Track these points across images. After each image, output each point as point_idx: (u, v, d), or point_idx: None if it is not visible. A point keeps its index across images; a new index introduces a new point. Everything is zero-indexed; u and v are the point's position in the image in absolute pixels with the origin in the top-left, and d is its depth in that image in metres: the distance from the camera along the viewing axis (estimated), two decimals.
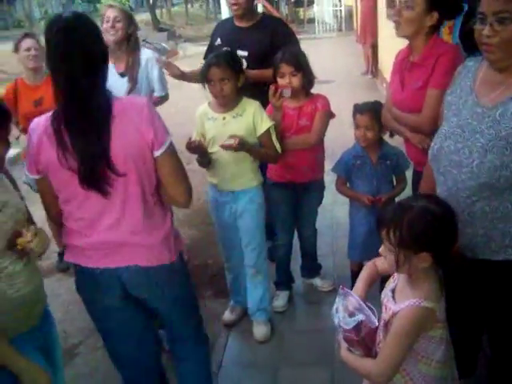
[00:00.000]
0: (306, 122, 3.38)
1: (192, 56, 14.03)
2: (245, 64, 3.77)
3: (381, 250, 1.87)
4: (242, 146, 3.03)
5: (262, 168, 3.48)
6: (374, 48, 11.58)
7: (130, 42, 3.89)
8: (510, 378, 2.34)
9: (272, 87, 3.26)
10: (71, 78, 1.98)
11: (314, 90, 3.47)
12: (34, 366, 1.96)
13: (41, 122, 2.07)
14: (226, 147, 3.05)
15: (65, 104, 2.03)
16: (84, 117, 2.00)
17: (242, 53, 3.78)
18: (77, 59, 1.96)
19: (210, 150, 3.18)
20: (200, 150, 3.14)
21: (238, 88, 3.13)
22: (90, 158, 2.01)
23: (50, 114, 2.07)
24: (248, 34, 3.84)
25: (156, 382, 2.55)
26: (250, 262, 3.42)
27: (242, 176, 3.24)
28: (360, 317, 1.87)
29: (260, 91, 3.39)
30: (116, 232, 2.13)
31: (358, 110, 3.33)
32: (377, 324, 1.91)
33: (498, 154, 1.91)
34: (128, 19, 3.87)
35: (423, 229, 1.74)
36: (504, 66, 1.97)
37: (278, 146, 3.22)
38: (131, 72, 3.87)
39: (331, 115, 3.48)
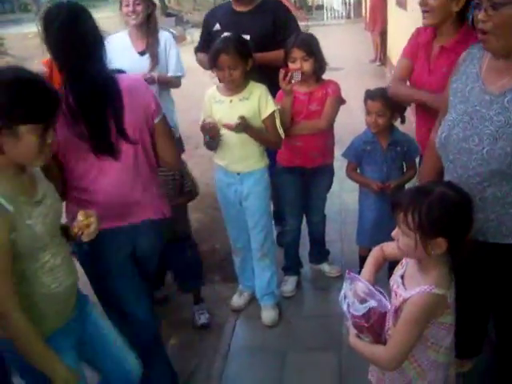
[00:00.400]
0: (317, 107, 3.37)
1: None
2: None
3: (394, 233, 1.85)
4: (240, 127, 3.04)
5: (271, 153, 3.48)
6: (383, 35, 11.48)
7: (150, 22, 3.90)
8: None
9: (282, 71, 3.24)
10: (74, 64, 2.23)
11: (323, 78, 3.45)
12: (66, 370, 1.92)
13: None
14: (227, 127, 3.07)
15: (72, 84, 2.23)
16: (93, 94, 2.24)
17: (244, 37, 3.75)
18: (76, 48, 2.21)
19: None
20: (214, 131, 3.13)
21: (246, 72, 3.12)
22: (101, 127, 2.27)
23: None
24: (249, 18, 3.80)
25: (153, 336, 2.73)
26: (256, 244, 3.43)
27: (248, 158, 3.25)
28: (372, 303, 1.85)
29: (265, 75, 3.34)
30: (130, 194, 2.42)
31: (370, 95, 3.31)
32: (389, 307, 1.90)
33: (508, 140, 1.92)
34: (147, 0, 3.86)
35: (442, 214, 1.74)
36: (505, 53, 1.97)
37: (281, 131, 3.21)
38: (152, 50, 3.88)
39: (342, 101, 3.47)
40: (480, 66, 2.11)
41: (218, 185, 3.44)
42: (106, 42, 3.99)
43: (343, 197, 4.84)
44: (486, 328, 2.66)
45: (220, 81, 3.20)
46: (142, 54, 3.92)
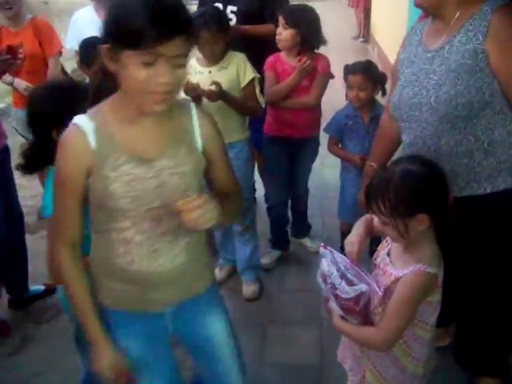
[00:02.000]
0: (306, 83, 3.38)
1: None
2: (234, 19, 3.75)
3: (376, 224, 1.86)
4: (215, 94, 2.99)
5: (259, 127, 3.46)
6: (367, 12, 11.43)
7: None
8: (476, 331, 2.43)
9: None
10: None
11: None
12: (110, 352, 1.71)
13: None
14: (205, 94, 3.00)
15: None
16: None
17: (231, 7, 3.75)
18: None
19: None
20: (196, 92, 3.05)
21: (226, 44, 3.09)
22: None
23: None
24: None
25: None
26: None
27: (228, 130, 3.10)
28: (362, 287, 1.77)
29: (251, 48, 3.34)
30: None
31: (350, 70, 3.30)
32: (380, 293, 1.83)
33: (450, 85, 2.03)
34: None
35: (410, 191, 1.72)
36: (439, 14, 2.11)
37: (261, 99, 3.20)
38: None
39: (330, 76, 3.48)
40: (421, 33, 2.27)
41: None
42: (74, 18, 3.94)
43: (324, 172, 4.82)
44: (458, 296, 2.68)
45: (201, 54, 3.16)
46: None
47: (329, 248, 1.91)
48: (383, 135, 2.58)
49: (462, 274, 2.31)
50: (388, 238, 1.95)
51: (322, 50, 3.51)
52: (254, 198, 4.15)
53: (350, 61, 3.44)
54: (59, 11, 15.53)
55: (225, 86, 3.04)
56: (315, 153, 3.76)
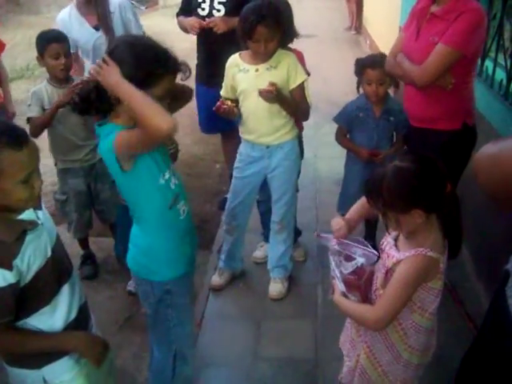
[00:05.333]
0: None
1: (172, 6, 13.68)
2: (223, 10, 3.72)
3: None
4: (273, 96, 2.87)
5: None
6: (359, 3, 11.40)
7: None
8: None
9: None
10: None
11: (294, 44, 3.28)
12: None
13: None
14: (263, 95, 2.88)
15: None
16: None
17: None
18: None
19: (241, 104, 3.04)
20: (230, 114, 3.01)
21: (283, 40, 2.95)
22: None
23: None
24: None
25: None
26: (276, 218, 3.35)
27: (278, 130, 3.10)
28: (358, 261, 1.87)
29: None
30: None
31: (369, 64, 3.19)
32: (375, 258, 1.92)
33: None
34: None
35: (401, 189, 1.74)
36: None
37: (309, 100, 3.10)
38: (105, 23, 3.71)
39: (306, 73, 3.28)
40: None
41: (241, 159, 3.26)
42: (59, 21, 3.84)
43: (317, 164, 4.81)
44: None
45: (252, 52, 2.97)
46: (96, 28, 3.77)
47: (323, 235, 2.03)
48: None
49: None
50: None
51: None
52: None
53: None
54: (47, 2, 15.38)
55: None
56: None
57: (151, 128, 1.73)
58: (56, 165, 3.50)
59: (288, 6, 3.22)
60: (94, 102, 1.90)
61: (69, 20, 3.79)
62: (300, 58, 3.23)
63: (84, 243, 3.78)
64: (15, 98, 4.03)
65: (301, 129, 3.47)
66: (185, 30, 3.93)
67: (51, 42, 3.17)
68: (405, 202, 1.74)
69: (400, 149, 3.34)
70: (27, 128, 3.05)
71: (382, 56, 3.26)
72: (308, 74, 3.15)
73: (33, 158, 1.61)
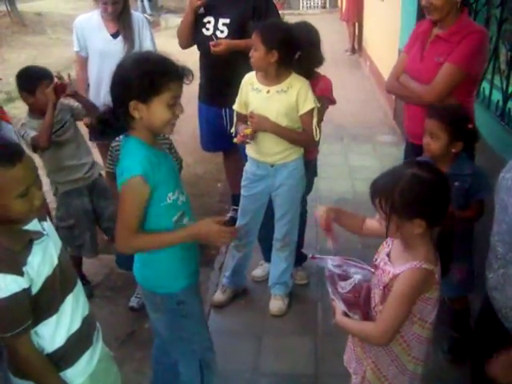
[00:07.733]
0: None
1: (174, 27, 13.82)
2: (226, 32, 3.79)
3: (377, 217, 1.89)
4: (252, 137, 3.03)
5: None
6: (356, 26, 11.61)
7: (125, 5, 3.96)
8: None
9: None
10: None
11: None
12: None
13: None
14: (239, 139, 3.06)
15: None
16: None
17: (223, 20, 3.80)
18: None
19: (249, 122, 3.07)
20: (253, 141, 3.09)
21: (281, 62, 2.93)
22: None
23: None
24: (230, 2, 3.81)
25: None
26: (279, 235, 3.37)
27: (283, 150, 3.12)
28: (355, 278, 1.89)
29: (244, 61, 3.26)
30: None
31: (429, 112, 2.68)
32: (369, 275, 1.95)
33: None
34: None
35: (414, 196, 1.76)
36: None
37: (317, 131, 3.07)
38: (125, 33, 3.95)
39: (330, 101, 3.31)
40: None
41: (247, 177, 3.30)
42: (77, 22, 4.05)
43: (318, 184, 4.85)
44: None
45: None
46: (114, 36, 3.97)
47: (317, 256, 2.03)
48: None
49: None
50: (388, 239, 2.01)
51: None
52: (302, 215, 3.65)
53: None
54: (52, 23, 15.59)
55: (282, 110, 2.99)
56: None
57: None
58: (55, 194, 3.49)
59: (315, 32, 3.42)
60: (111, 121, 1.99)
61: (89, 22, 4.02)
62: (327, 85, 3.30)
63: (79, 264, 3.68)
64: (18, 117, 4.08)
65: (316, 153, 3.54)
66: (183, 28, 4.00)
67: (46, 79, 3.18)
68: (413, 209, 1.76)
69: (471, 217, 2.65)
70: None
71: (450, 107, 2.72)
72: (333, 103, 3.21)
73: (29, 173, 1.65)
